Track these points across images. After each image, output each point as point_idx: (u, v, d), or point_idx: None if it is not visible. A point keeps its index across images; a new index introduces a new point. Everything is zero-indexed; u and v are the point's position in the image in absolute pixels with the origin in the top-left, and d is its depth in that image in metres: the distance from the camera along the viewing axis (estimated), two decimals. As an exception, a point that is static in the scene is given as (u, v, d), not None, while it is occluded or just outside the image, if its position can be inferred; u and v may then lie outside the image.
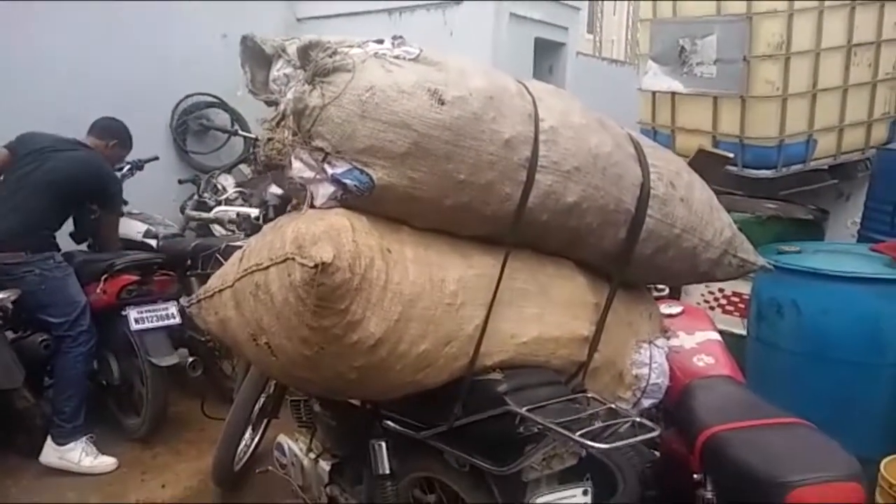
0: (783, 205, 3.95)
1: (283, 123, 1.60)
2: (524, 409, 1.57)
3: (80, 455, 3.26)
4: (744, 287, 3.57)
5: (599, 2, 10.05)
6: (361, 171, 1.54)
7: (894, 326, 2.49)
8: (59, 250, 3.40)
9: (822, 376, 2.55)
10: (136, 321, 3.35)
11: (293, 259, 1.45)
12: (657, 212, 1.83)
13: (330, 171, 1.55)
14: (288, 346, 1.55)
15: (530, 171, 1.63)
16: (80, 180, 3.40)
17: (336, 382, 1.63)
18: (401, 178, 1.55)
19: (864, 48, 3.89)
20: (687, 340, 2.26)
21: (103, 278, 3.38)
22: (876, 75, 4.00)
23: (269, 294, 1.55)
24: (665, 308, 2.39)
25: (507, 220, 1.67)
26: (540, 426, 1.55)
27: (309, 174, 1.57)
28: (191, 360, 3.51)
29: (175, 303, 3.47)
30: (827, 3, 3.70)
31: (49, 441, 3.25)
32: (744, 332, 3.26)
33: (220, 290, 1.78)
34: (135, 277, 3.43)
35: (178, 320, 3.46)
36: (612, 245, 1.84)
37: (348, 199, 1.57)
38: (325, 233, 1.46)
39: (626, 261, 1.86)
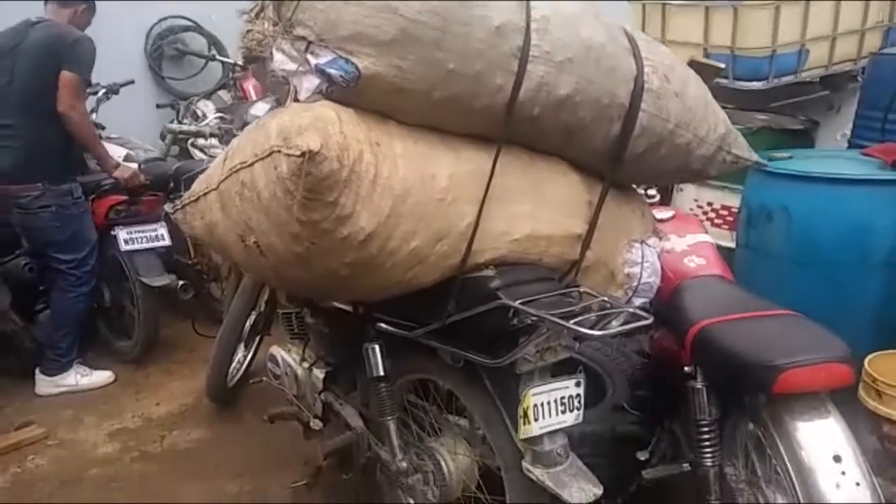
0: (774, 116, 3.91)
1: (262, 14, 1.53)
2: (517, 301, 1.57)
3: (76, 377, 3.28)
4: (733, 200, 3.57)
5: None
6: (346, 61, 1.48)
7: (884, 227, 2.50)
8: (76, 179, 3.23)
9: (811, 280, 2.57)
10: (126, 242, 3.33)
11: (279, 151, 1.41)
12: (651, 106, 1.78)
13: (313, 61, 1.49)
14: (278, 243, 1.53)
15: (522, 61, 1.57)
16: (53, 62, 3.05)
17: (327, 281, 1.61)
18: (388, 68, 1.49)
19: (860, -46, 3.78)
20: (678, 243, 2.25)
21: (91, 199, 3.33)
22: (871, -18, 3.90)
23: (255, 191, 1.51)
24: (656, 213, 2.38)
25: (498, 114, 1.63)
26: (534, 317, 1.55)
27: (291, 66, 1.52)
28: (181, 283, 3.50)
29: (164, 224, 3.43)
30: None
31: (40, 374, 3.25)
32: (732, 245, 3.27)
33: (205, 194, 1.74)
34: (123, 198, 3.38)
35: (167, 241, 3.45)
36: (604, 142, 1.80)
37: (334, 91, 1.52)
38: (312, 124, 1.42)
39: (620, 158, 1.82)
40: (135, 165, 3.99)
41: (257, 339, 3.14)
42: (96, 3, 3.44)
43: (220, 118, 5.05)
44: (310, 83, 1.53)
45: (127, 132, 4.48)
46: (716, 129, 1.92)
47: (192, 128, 4.47)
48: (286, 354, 2.48)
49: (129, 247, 3.35)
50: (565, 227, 1.79)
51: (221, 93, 5.58)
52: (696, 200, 3.91)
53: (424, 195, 1.56)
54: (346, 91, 1.51)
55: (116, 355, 3.59)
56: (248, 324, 3.05)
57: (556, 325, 1.51)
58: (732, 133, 1.98)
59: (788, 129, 3.83)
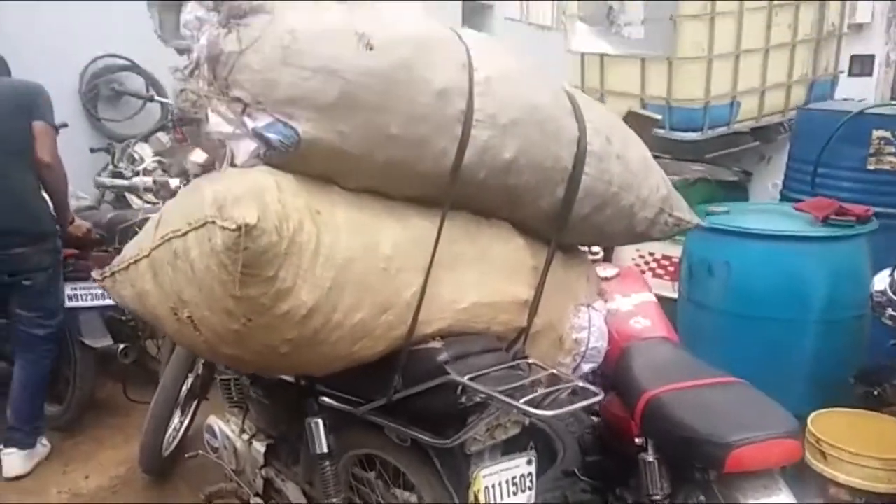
0: (709, 167, 4.03)
1: (197, 72, 1.45)
2: (466, 378, 1.51)
3: (40, 446, 3.03)
4: (674, 250, 3.63)
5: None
6: (285, 125, 1.41)
7: (818, 282, 2.57)
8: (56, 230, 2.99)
9: (751, 335, 2.60)
10: (70, 298, 3.11)
11: (213, 222, 1.33)
12: (594, 169, 1.78)
13: (251, 124, 1.42)
14: (212, 319, 1.43)
15: (466, 124, 1.55)
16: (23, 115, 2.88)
17: (267, 358, 1.52)
18: (328, 132, 1.44)
19: (784, 9, 3.97)
20: (623, 303, 2.25)
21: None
22: (795, 36, 4.09)
23: (188, 262, 1.42)
24: (601, 271, 2.38)
25: (443, 177, 1.59)
26: (482, 395, 1.50)
27: (228, 129, 1.44)
28: (122, 346, 3.26)
29: None
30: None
31: (10, 452, 2.93)
32: (674, 296, 3.30)
33: (136, 261, 1.64)
34: (73, 251, 3.16)
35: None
36: (549, 205, 1.78)
37: (272, 156, 1.44)
38: (248, 192, 1.34)
39: (565, 221, 1.81)
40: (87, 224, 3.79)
41: (194, 403, 2.98)
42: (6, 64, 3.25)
43: (159, 162, 4.89)
44: (247, 147, 1.45)
45: (58, 179, 4.27)
46: (657, 191, 1.93)
47: (125, 182, 4.31)
48: (224, 425, 2.34)
49: (73, 304, 3.12)
50: (512, 294, 1.75)
51: (160, 135, 5.41)
52: (638, 251, 3.96)
53: (368, 265, 1.50)
54: (285, 155, 1.45)
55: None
56: (184, 388, 2.89)
57: (506, 405, 1.46)
58: (674, 195, 2.00)
59: (724, 180, 3.94)
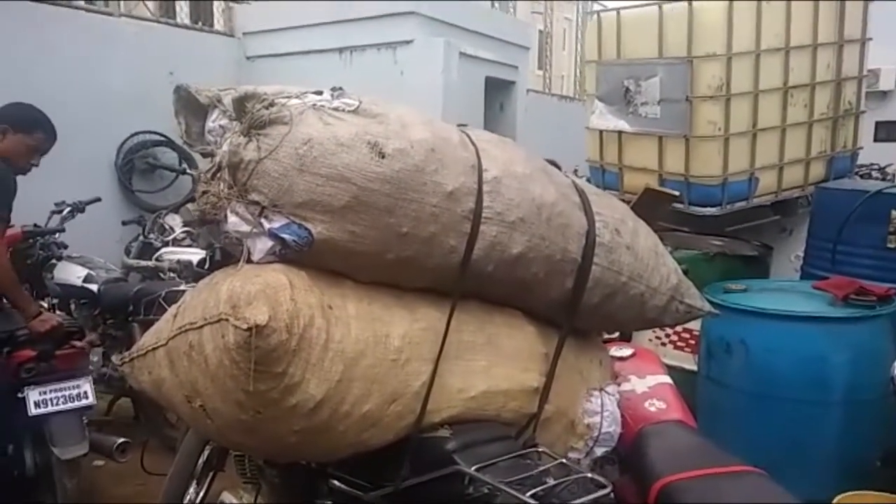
0: (729, 241, 4.03)
1: (218, 176, 1.55)
2: (473, 468, 1.52)
3: None
4: (693, 323, 3.61)
5: (548, 40, 10.31)
6: (300, 226, 1.49)
7: (839, 364, 2.54)
8: None
9: (771, 415, 2.58)
10: (37, 405, 2.83)
11: (227, 320, 1.39)
12: (603, 260, 1.82)
13: (267, 225, 1.50)
14: (223, 409, 1.48)
15: (474, 222, 1.61)
16: None
17: (275, 446, 1.55)
18: (341, 233, 1.51)
19: (799, 90, 4.04)
20: (638, 384, 2.24)
21: (6, 351, 2.90)
22: (812, 115, 4.15)
23: (203, 355, 1.48)
24: (616, 351, 2.38)
25: (452, 272, 1.64)
26: (490, 486, 1.50)
27: (245, 228, 1.52)
28: (119, 442, 3.07)
29: (88, 378, 3.03)
30: (763, 48, 3.84)
31: None
32: (695, 368, 3.28)
33: (154, 349, 1.69)
34: (32, 353, 2.89)
35: (91, 400, 2.98)
36: (559, 294, 1.82)
37: (287, 253, 1.52)
38: (262, 291, 1.41)
39: (574, 309, 1.84)
40: (57, 316, 3.61)
41: (210, 475, 2.99)
42: (50, 124, 3.18)
43: (188, 232, 5.04)
44: (263, 245, 1.53)
45: (91, 249, 4.42)
46: (668, 280, 1.96)
47: (150, 263, 4.47)
48: (237, 502, 2.35)
49: (41, 410, 2.82)
50: (522, 382, 1.77)
51: (190, 206, 5.58)
52: (658, 323, 3.94)
53: (377, 357, 1.54)
54: (299, 253, 1.52)
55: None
56: (201, 460, 2.92)
57: (513, 498, 1.46)
58: (684, 283, 2.02)
59: (743, 255, 3.94)
